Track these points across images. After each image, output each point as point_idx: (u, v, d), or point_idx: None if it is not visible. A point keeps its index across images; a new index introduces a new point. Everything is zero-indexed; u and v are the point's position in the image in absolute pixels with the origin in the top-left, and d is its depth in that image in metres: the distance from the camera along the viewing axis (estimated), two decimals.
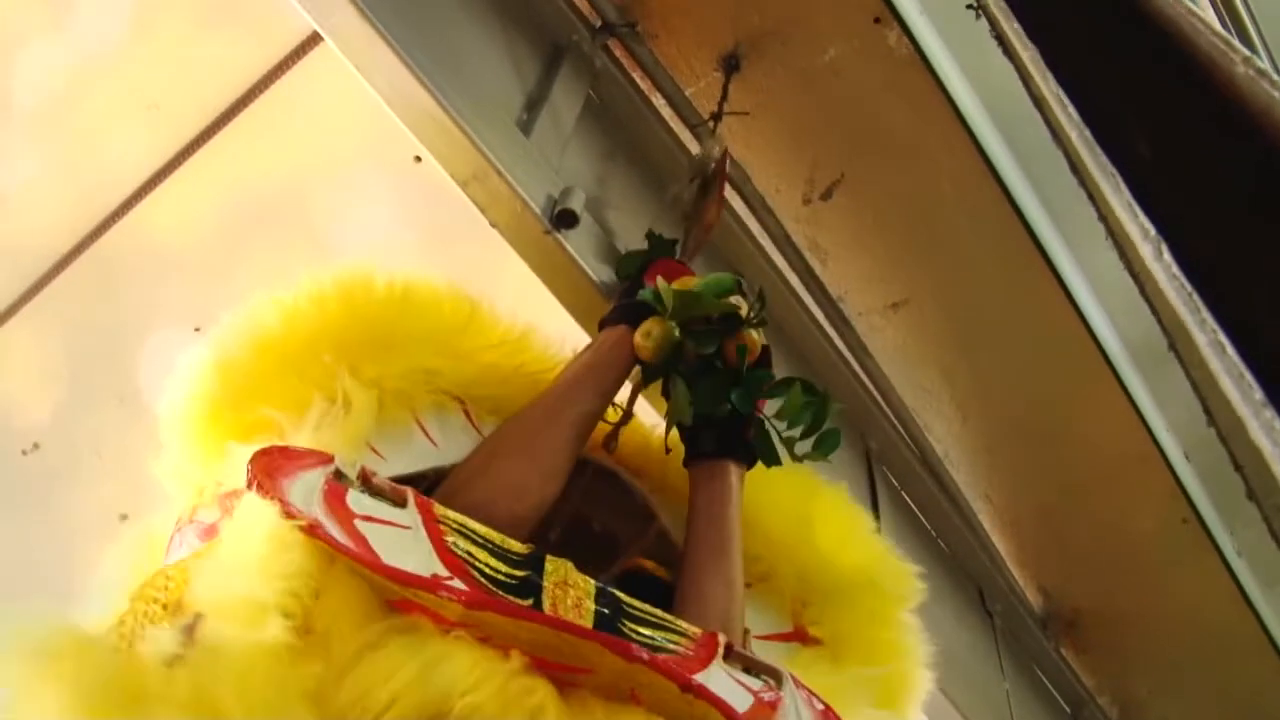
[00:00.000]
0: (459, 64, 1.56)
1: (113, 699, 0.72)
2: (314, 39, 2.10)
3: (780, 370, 2.08)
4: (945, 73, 2.05)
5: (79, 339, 2.50)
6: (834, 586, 1.35)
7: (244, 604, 0.79)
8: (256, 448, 0.93)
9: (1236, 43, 0.60)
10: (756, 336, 1.36)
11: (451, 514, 0.97)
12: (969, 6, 1.71)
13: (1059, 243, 2.22)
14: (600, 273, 1.56)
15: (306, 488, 0.89)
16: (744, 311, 1.36)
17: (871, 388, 2.40)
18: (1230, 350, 0.45)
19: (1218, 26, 0.62)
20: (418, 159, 2.10)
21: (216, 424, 1.10)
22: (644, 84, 2.08)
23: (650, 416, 1.44)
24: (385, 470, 1.03)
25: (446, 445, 1.21)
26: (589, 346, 1.36)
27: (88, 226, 2.36)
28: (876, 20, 1.99)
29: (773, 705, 0.99)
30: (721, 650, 1.01)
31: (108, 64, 2.16)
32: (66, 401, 2.58)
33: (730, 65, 2.08)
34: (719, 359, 1.33)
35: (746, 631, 1.24)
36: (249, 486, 0.87)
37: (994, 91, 2.11)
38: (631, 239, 1.75)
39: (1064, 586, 2.80)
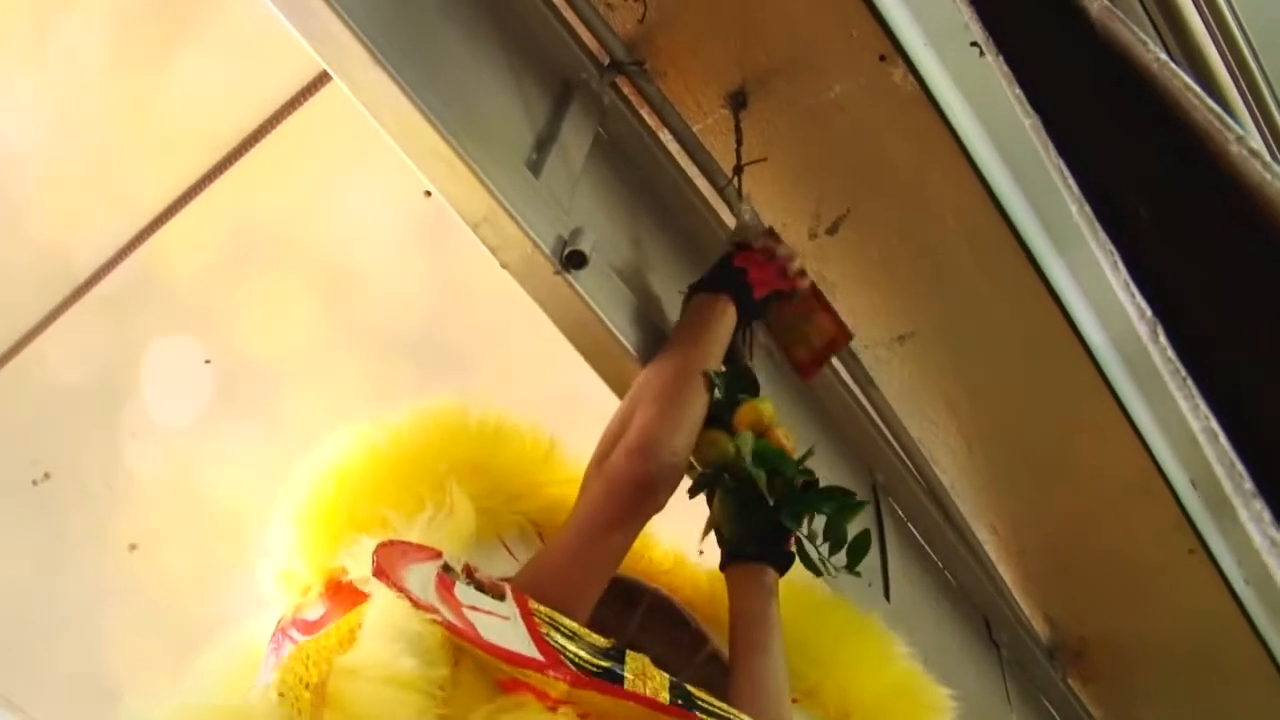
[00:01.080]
0: (469, 105, 1.57)
1: None
2: (326, 75, 2.12)
3: (786, 404, 2.10)
4: (951, 109, 2.06)
5: (90, 370, 2.52)
6: (873, 701, 1.49)
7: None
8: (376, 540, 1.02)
9: (1230, 120, 0.62)
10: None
11: (543, 608, 1.05)
12: (972, 44, 1.73)
13: (1065, 276, 2.23)
14: (609, 312, 1.57)
15: (422, 578, 0.97)
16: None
17: (878, 419, 2.42)
18: (1223, 439, 0.46)
19: (1211, 103, 0.64)
20: (427, 194, 2.12)
21: (331, 524, 1.21)
22: (652, 120, 2.10)
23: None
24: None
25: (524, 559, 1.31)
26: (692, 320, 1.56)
27: (101, 259, 2.38)
28: (882, 58, 2.01)
29: None
30: None
31: (123, 100, 2.19)
32: (77, 432, 2.60)
33: (737, 102, 2.10)
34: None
35: None
36: (374, 574, 0.95)
37: (1000, 127, 2.12)
38: (641, 278, 1.77)
39: (1070, 616, 2.81)
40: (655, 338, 1.63)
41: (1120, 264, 0.58)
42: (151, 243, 2.33)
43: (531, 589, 1.13)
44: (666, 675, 1.05)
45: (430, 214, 2.19)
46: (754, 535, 1.41)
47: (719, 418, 1.49)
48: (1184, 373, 0.50)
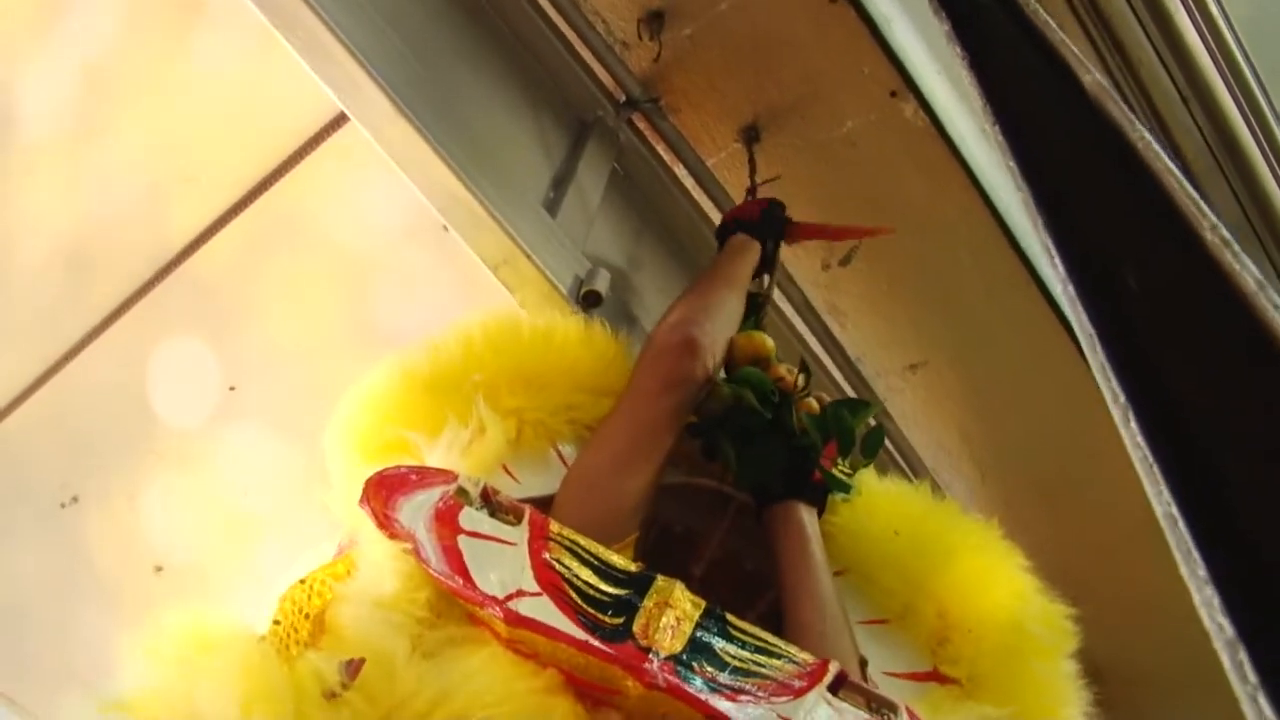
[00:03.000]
0: (488, 147, 1.62)
1: (273, 708, 0.82)
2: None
3: None
4: (963, 142, 2.10)
5: (116, 395, 2.57)
6: (975, 624, 1.30)
7: (383, 647, 0.89)
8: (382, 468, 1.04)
9: (1205, 208, 0.66)
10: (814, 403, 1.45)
11: (567, 532, 1.04)
12: None
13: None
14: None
15: (416, 506, 0.99)
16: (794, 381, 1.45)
17: (891, 448, 2.44)
18: (1181, 525, 0.50)
19: (1189, 188, 0.67)
20: (445, 228, 2.17)
21: (361, 449, 1.20)
22: (667, 156, 2.15)
23: None
24: (519, 492, 1.15)
25: None
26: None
27: (128, 290, 2.43)
28: (893, 94, 2.05)
29: None
30: (830, 678, 1.00)
31: (147, 135, 2.24)
32: (103, 456, 2.64)
33: (750, 136, 2.14)
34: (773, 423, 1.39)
35: (865, 662, 1.22)
36: (361, 505, 0.98)
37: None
38: (655, 310, 1.81)
39: (1084, 645, 2.81)
40: None
41: (1099, 346, 0.61)
42: (177, 274, 2.38)
43: (573, 498, 1.16)
44: (701, 603, 1.02)
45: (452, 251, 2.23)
46: (775, 473, 1.34)
47: None
48: (1151, 459, 0.53)
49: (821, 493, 1.35)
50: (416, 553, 0.95)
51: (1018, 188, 0.83)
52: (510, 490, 1.11)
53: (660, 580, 1.03)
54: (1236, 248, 0.62)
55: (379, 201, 2.30)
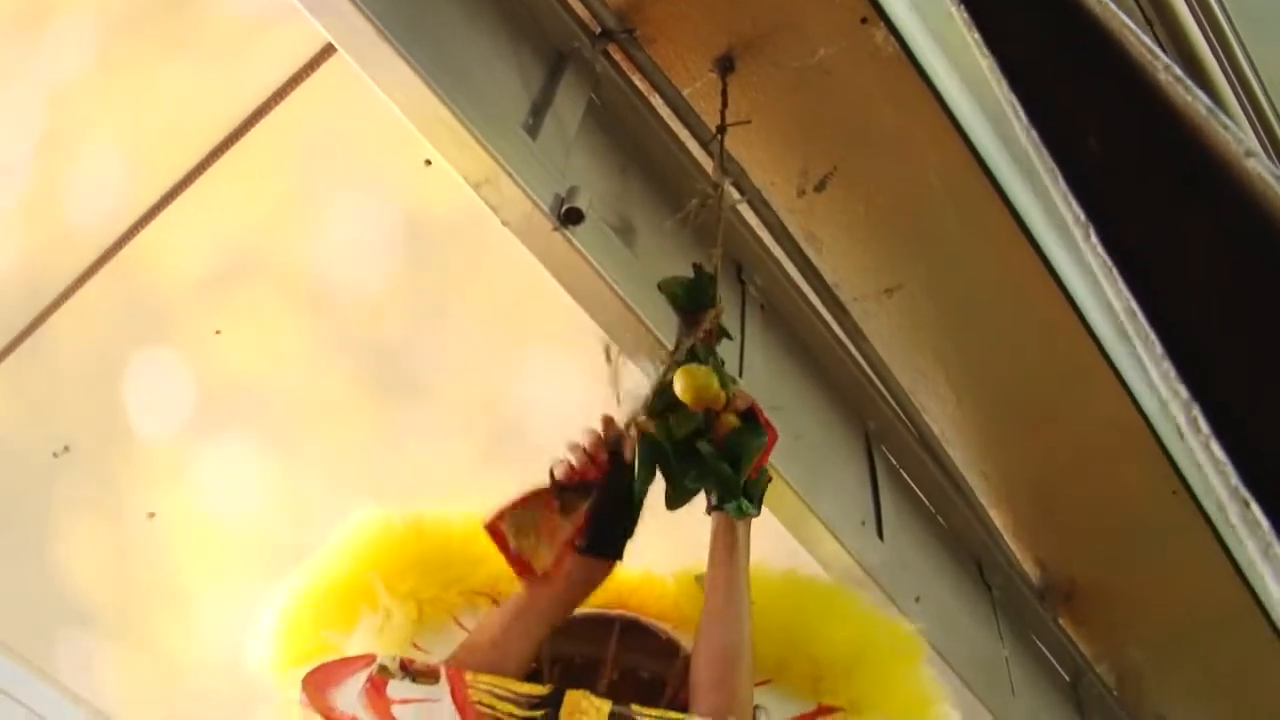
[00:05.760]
0: (468, 74, 1.65)
1: None
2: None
3: (779, 356, 2.18)
4: (932, 69, 2.13)
5: (107, 344, 2.59)
6: (841, 657, 1.51)
7: None
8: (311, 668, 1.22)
9: (1159, 51, 0.70)
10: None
11: (483, 676, 1.20)
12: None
13: (1046, 227, 2.30)
14: (605, 266, 1.65)
15: (349, 691, 1.15)
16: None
17: (869, 370, 2.50)
18: (1139, 316, 0.54)
19: (1143, 37, 0.71)
20: (428, 162, 2.19)
21: (291, 659, 1.37)
22: (643, 86, 2.18)
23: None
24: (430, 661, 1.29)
25: None
26: None
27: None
28: (864, 20, 2.09)
29: None
30: None
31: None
32: (94, 406, 2.67)
33: (725, 66, 2.17)
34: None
35: (758, 709, 1.38)
36: (304, 707, 1.15)
37: (980, 86, 2.19)
38: (634, 233, 1.85)
39: (1060, 559, 2.90)
40: (649, 289, 1.71)
41: (1060, 178, 0.66)
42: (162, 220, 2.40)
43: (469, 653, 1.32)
44: (607, 704, 1.18)
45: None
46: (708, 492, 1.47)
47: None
48: (1109, 264, 0.58)
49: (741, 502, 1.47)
50: None
51: (982, 55, 0.88)
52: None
53: (569, 693, 1.18)
54: (1189, 83, 0.67)
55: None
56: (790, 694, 1.49)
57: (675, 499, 1.45)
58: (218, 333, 2.52)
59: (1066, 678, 2.97)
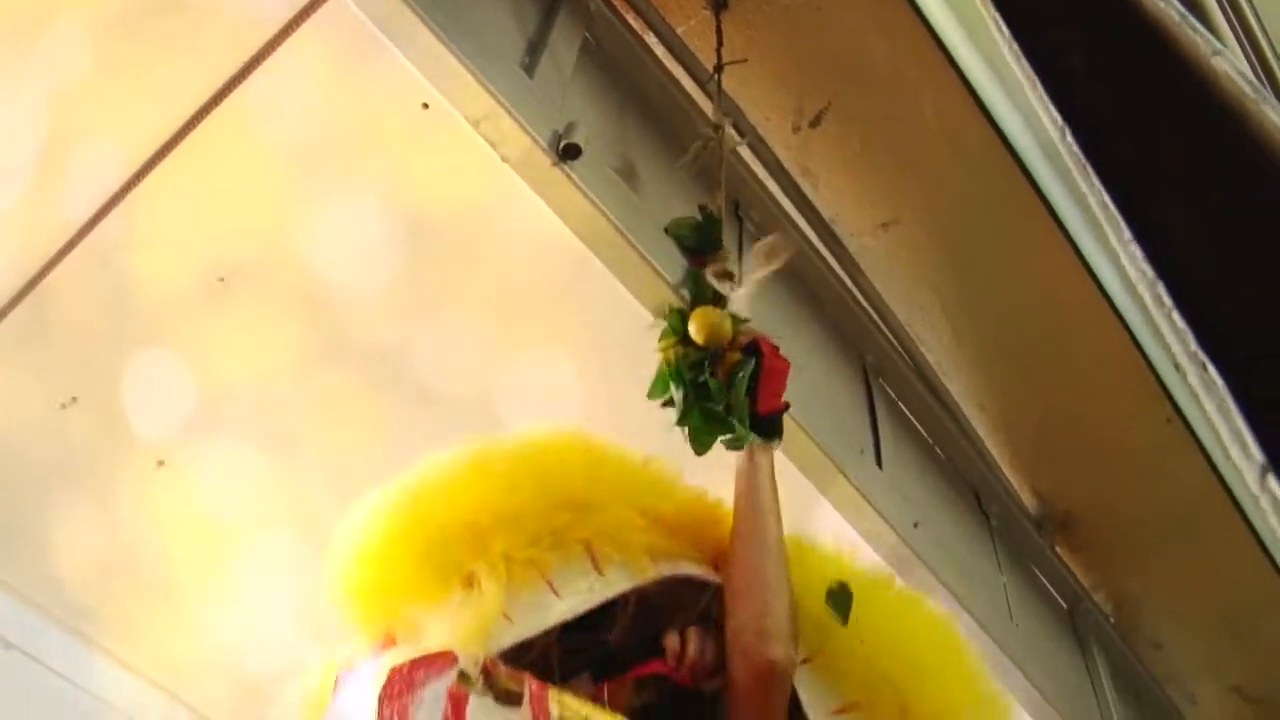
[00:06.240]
0: (465, 14, 1.67)
1: None
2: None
3: (777, 290, 2.20)
4: (924, 2, 2.14)
5: (112, 297, 2.61)
6: (939, 711, 1.43)
7: None
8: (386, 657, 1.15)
9: None
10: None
11: (570, 701, 1.14)
12: None
13: (1044, 167, 2.31)
14: (605, 200, 1.68)
15: (430, 706, 1.07)
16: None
17: (866, 304, 2.53)
18: (1111, 207, 0.57)
19: None
20: (425, 105, 2.21)
21: (362, 611, 1.28)
22: (637, 24, 2.19)
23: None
24: (511, 635, 1.22)
25: (566, 593, 1.31)
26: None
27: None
28: None
29: None
30: None
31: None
32: (101, 356, 2.70)
33: (719, 3, 2.19)
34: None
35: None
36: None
37: (974, 21, 2.20)
38: (635, 175, 1.87)
39: (1056, 489, 2.94)
40: (647, 224, 1.74)
41: (1039, 83, 0.69)
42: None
43: None
44: None
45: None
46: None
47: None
48: (1084, 162, 0.61)
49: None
50: None
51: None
52: (504, 635, 1.20)
53: None
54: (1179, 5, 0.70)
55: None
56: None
57: (695, 443, 1.50)
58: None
59: (1064, 605, 3.02)
